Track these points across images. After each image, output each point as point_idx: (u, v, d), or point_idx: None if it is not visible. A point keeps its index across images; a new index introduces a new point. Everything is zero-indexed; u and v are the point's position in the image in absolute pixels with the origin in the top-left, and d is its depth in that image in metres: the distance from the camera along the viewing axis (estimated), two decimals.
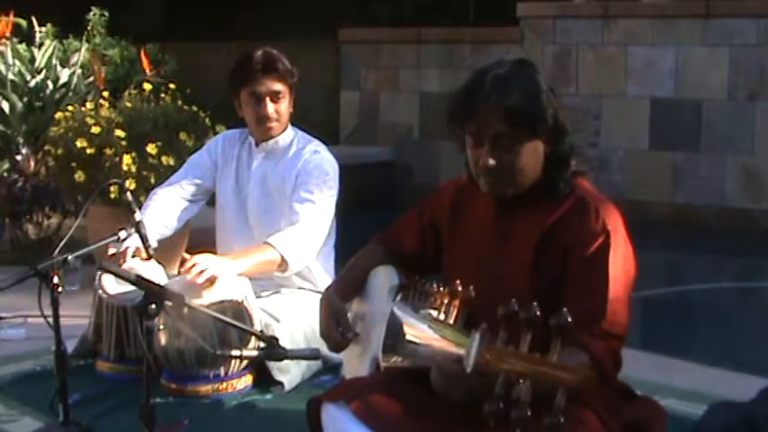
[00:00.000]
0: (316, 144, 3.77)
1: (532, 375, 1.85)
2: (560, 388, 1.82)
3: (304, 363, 3.53)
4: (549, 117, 2.27)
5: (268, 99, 3.64)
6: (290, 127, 3.77)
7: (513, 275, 2.32)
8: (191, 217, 3.92)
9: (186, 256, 3.44)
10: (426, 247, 2.58)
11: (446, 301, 2.29)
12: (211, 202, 3.97)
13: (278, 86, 3.64)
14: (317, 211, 3.59)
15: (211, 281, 3.33)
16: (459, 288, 2.29)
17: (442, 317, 2.23)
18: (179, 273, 3.40)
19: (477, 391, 1.98)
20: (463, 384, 2.03)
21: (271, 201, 3.72)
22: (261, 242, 3.53)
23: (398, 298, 2.37)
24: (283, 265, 3.50)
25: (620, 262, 2.26)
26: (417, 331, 2.17)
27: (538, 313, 1.88)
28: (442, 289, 2.34)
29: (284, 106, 3.69)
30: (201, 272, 3.31)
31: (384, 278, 2.58)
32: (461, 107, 2.31)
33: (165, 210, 3.76)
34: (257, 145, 3.77)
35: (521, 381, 1.88)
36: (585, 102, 8.37)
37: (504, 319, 1.92)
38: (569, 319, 1.86)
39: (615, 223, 2.30)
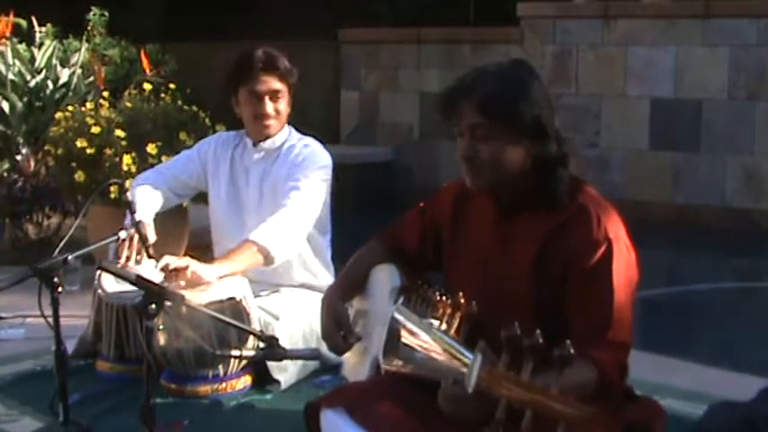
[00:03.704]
0: (308, 140, 3.78)
1: (532, 404, 1.82)
2: (561, 422, 1.80)
3: (301, 362, 3.53)
4: (528, 116, 2.25)
5: (267, 98, 3.64)
6: (285, 126, 3.77)
7: (513, 280, 2.32)
8: (170, 207, 3.90)
9: (161, 264, 3.40)
10: (427, 246, 2.57)
11: (449, 311, 2.27)
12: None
13: (278, 85, 3.64)
14: (302, 197, 3.57)
15: (195, 275, 3.33)
16: (463, 301, 2.27)
17: (444, 327, 2.22)
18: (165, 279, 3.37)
19: (483, 411, 1.97)
20: (471, 405, 2.01)
21: (267, 200, 3.71)
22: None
23: (400, 301, 2.37)
24: (267, 257, 3.48)
25: (623, 269, 2.25)
26: (418, 340, 2.16)
27: (541, 341, 1.86)
28: (444, 299, 2.33)
29: (283, 105, 3.69)
30: (183, 269, 3.30)
31: (386, 278, 2.58)
32: (445, 100, 2.34)
33: (149, 196, 3.74)
34: (255, 145, 3.77)
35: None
36: (585, 102, 8.37)
37: (507, 342, 1.90)
38: (572, 351, 1.84)
39: (616, 230, 2.28)
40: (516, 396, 1.84)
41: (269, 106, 3.65)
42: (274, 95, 3.65)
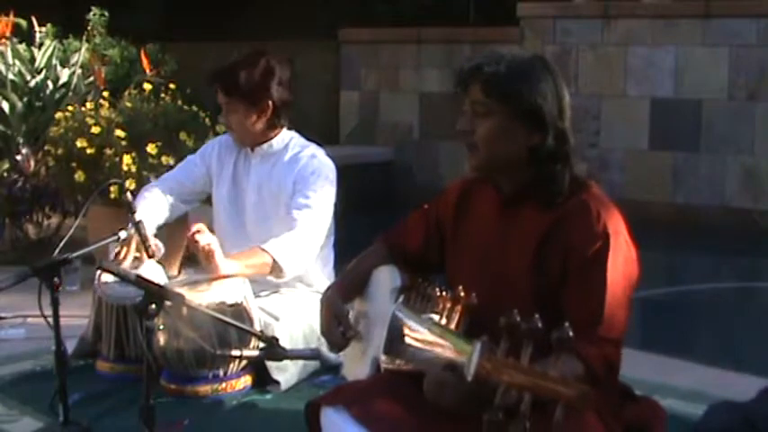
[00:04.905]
0: (313, 148, 3.74)
1: (532, 388, 1.82)
2: (560, 403, 1.81)
3: (301, 362, 3.53)
4: (527, 101, 2.26)
5: (225, 110, 3.66)
6: (284, 130, 3.75)
7: (514, 274, 2.32)
8: (178, 215, 3.91)
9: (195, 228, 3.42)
10: (430, 247, 2.57)
11: (448, 305, 2.27)
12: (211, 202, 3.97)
13: (223, 99, 3.63)
14: (314, 216, 3.57)
15: (210, 254, 3.35)
16: (462, 294, 2.28)
17: (443, 322, 2.22)
18: (186, 254, 3.39)
19: (469, 400, 1.97)
20: (453, 392, 2.02)
21: (267, 206, 3.70)
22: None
23: (400, 299, 2.37)
24: (277, 269, 3.49)
25: (621, 265, 2.25)
26: (418, 335, 2.16)
27: (540, 325, 1.87)
28: (444, 293, 2.33)
29: (236, 120, 3.64)
30: (208, 248, 3.34)
31: (386, 278, 2.58)
32: (458, 77, 2.35)
33: (153, 208, 3.74)
34: (252, 150, 3.76)
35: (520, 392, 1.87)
36: (585, 102, 8.37)
37: (506, 329, 1.90)
38: (571, 334, 1.85)
39: (616, 225, 2.29)
40: (517, 381, 1.84)
41: (223, 118, 3.68)
42: (225, 109, 3.65)
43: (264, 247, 3.48)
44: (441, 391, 2.06)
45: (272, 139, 3.71)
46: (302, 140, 3.77)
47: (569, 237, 2.27)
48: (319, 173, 3.64)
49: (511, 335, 1.90)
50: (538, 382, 1.82)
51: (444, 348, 2.08)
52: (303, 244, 3.54)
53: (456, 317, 2.25)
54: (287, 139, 3.75)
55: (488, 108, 2.28)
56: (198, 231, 3.38)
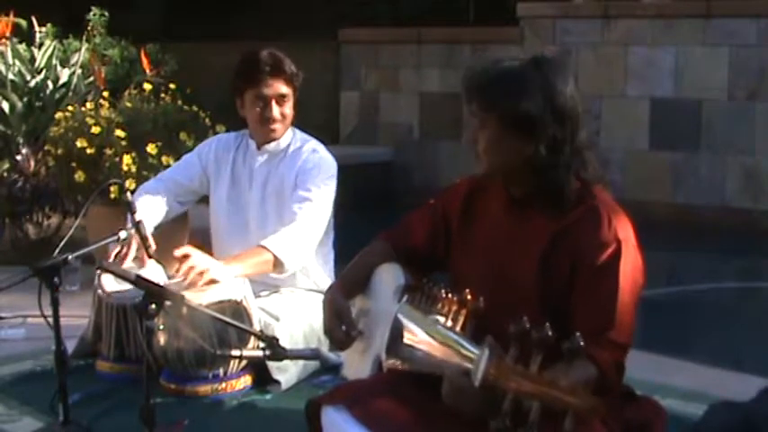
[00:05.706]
0: (314, 143, 3.76)
1: (540, 397, 1.83)
2: (569, 412, 1.80)
3: (302, 362, 3.53)
4: (513, 109, 2.24)
5: (274, 101, 3.63)
6: (289, 127, 3.77)
7: (520, 276, 2.32)
8: (174, 216, 3.90)
9: (180, 252, 3.41)
10: (437, 243, 2.56)
11: (454, 308, 2.27)
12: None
13: (284, 89, 3.63)
14: (314, 209, 3.58)
15: (211, 281, 3.34)
16: (469, 297, 2.27)
17: (449, 324, 2.22)
18: (177, 271, 3.39)
19: (488, 407, 1.96)
20: (473, 398, 2.01)
21: (270, 203, 3.71)
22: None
23: (404, 299, 2.36)
24: (278, 265, 3.49)
25: (630, 271, 2.26)
26: (423, 337, 2.16)
27: (550, 334, 1.86)
28: (450, 295, 2.32)
29: (288, 109, 3.69)
30: (201, 273, 3.32)
31: (390, 277, 2.56)
32: (463, 86, 2.36)
33: (151, 208, 3.73)
34: (259, 147, 3.76)
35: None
36: (585, 102, 8.30)
37: (516, 336, 1.90)
38: (582, 344, 1.85)
39: (626, 232, 2.29)
40: (525, 389, 1.84)
41: (275, 110, 3.64)
42: (281, 99, 3.64)
43: (264, 244, 3.48)
44: (460, 397, 2.05)
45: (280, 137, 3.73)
46: (303, 135, 3.80)
47: (579, 242, 2.27)
48: (320, 167, 3.66)
49: (521, 342, 1.89)
50: (546, 390, 1.81)
51: (449, 352, 2.07)
52: (302, 237, 3.55)
53: (462, 320, 2.24)
54: (290, 136, 3.76)
55: (483, 120, 2.30)
56: (186, 256, 3.37)
